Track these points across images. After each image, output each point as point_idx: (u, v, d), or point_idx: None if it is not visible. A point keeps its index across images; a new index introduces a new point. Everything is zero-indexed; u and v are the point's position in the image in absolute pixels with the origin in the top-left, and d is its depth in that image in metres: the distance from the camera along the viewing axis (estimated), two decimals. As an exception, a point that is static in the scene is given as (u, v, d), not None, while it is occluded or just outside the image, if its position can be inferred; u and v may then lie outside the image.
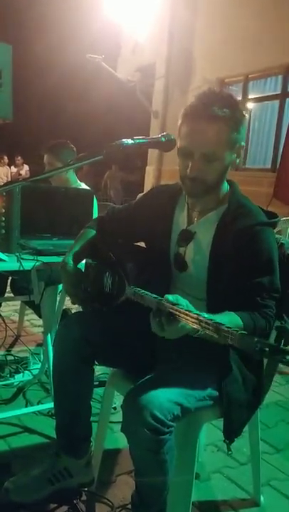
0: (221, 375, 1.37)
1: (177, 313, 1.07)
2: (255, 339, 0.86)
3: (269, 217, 1.42)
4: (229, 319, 1.23)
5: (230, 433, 1.38)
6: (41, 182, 2.32)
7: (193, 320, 1.02)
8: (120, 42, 9.67)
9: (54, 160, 2.70)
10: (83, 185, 2.83)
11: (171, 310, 1.09)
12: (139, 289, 1.28)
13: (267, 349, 0.84)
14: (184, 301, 1.12)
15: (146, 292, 1.24)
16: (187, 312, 1.04)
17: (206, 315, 1.15)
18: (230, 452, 1.66)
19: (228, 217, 1.39)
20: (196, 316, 1.02)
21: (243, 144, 1.39)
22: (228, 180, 1.46)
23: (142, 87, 8.90)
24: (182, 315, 1.05)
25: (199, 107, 1.31)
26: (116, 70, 9.04)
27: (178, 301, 1.11)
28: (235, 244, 1.34)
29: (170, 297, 1.11)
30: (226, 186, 1.45)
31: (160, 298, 1.16)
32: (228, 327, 0.93)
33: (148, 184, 8.98)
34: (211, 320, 0.97)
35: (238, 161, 1.41)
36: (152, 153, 8.84)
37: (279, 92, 6.82)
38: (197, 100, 1.33)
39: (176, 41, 8.45)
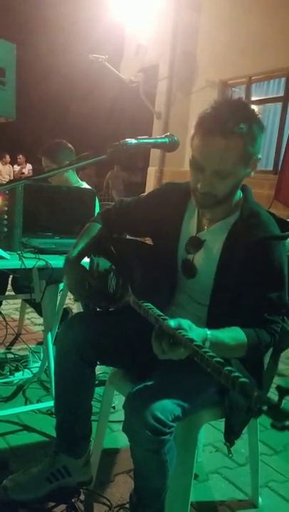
0: None
1: (178, 340, 1.02)
2: (255, 394, 0.79)
3: (281, 227, 1.37)
4: (233, 335, 1.23)
5: (231, 435, 1.38)
6: (42, 182, 2.33)
7: (193, 351, 0.97)
8: (124, 43, 9.67)
9: (50, 163, 2.64)
10: (85, 185, 2.82)
11: (172, 335, 1.04)
12: (142, 301, 1.25)
13: (265, 408, 0.76)
14: (186, 324, 1.08)
15: (150, 305, 1.21)
16: (188, 342, 0.99)
17: (209, 332, 1.14)
18: (230, 455, 1.67)
19: (240, 226, 1.36)
20: (196, 348, 0.96)
21: (259, 156, 1.32)
22: (241, 186, 1.41)
23: (145, 88, 8.90)
24: (186, 345, 1.00)
25: (214, 120, 1.24)
26: (119, 71, 9.04)
27: (180, 325, 1.07)
28: (245, 255, 1.32)
29: (172, 322, 1.07)
30: (238, 194, 1.41)
31: (163, 317, 1.11)
32: (229, 370, 0.87)
33: (150, 185, 8.98)
34: (214, 358, 0.91)
35: (252, 173, 1.34)
36: (154, 154, 8.84)
37: (282, 94, 6.83)
38: (212, 112, 1.26)
39: (179, 43, 8.46)
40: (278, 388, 0.79)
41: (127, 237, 1.70)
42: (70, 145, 2.74)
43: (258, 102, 7.16)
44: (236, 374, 0.86)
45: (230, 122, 1.22)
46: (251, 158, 1.30)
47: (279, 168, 6.26)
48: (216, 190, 1.30)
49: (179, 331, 1.05)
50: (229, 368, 0.88)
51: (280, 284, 1.33)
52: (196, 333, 1.10)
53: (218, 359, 0.91)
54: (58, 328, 2.57)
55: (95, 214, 2.36)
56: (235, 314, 1.30)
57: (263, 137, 1.32)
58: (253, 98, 7.21)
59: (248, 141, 1.25)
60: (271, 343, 1.31)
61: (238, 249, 1.33)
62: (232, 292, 1.34)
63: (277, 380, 2.73)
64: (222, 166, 1.26)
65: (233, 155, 1.25)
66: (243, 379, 0.84)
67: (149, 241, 1.61)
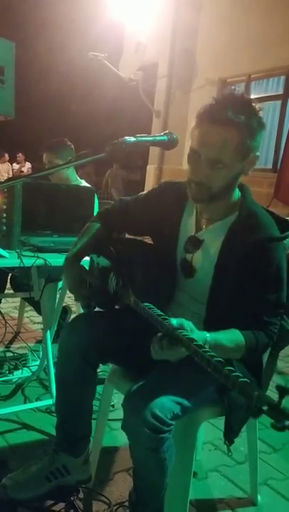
0: None
1: (178, 339, 1.03)
2: (256, 393, 0.79)
3: (281, 226, 1.37)
4: (232, 337, 1.23)
5: (230, 434, 1.38)
6: (41, 180, 2.33)
7: (193, 350, 0.98)
8: (123, 41, 9.66)
9: (53, 158, 2.69)
10: (84, 183, 2.83)
11: (174, 335, 1.05)
12: (143, 302, 1.25)
13: (265, 408, 0.77)
14: (188, 325, 1.09)
15: (150, 306, 1.21)
16: (189, 342, 1.00)
17: (208, 335, 1.14)
18: (230, 454, 1.67)
19: (238, 227, 1.34)
20: (196, 348, 0.97)
21: (258, 154, 1.31)
22: (239, 185, 1.40)
23: (145, 86, 8.90)
24: (184, 343, 1.01)
25: (214, 109, 1.25)
26: (118, 69, 9.03)
27: (182, 325, 1.08)
28: (244, 256, 1.31)
29: (174, 321, 1.08)
30: (236, 193, 1.40)
31: (164, 316, 1.12)
32: (230, 370, 0.88)
33: (149, 183, 8.98)
34: (214, 358, 0.92)
35: (250, 172, 1.33)
36: (153, 152, 8.84)
37: (281, 92, 6.83)
38: (213, 101, 1.27)
39: (178, 41, 8.45)
40: (278, 388, 0.79)
41: (127, 236, 1.70)
42: (70, 143, 2.78)
43: (257, 100, 7.02)
44: (237, 374, 0.86)
45: (228, 112, 1.23)
46: (248, 153, 1.28)
47: (278, 167, 6.26)
48: (210, 181, 1.29)
49: (180, 331, 1.05)
50: (229, 367, 0.88)
51: (279, 285, 1.33)
52: (197, 335, 1.10)
53: (219, 359, 0.92)
54: (57, 327, 2.57)
55: (95, 212, 2.37)
56: (233, 312, 1.30)
57: (263, 135, 1.31)
58: (252, 96, 7.20)
59: (245, 133, 1.24)
60: (269, 344, 1.32)
61: (236, 249, 1.32)
62: (230, 291, 1.34)
63: (276, 378, 2.73)
64: (217, 154, 1.25)
65: (228, 144, 1.24)
66: (243, 379, 0.84)
67: (148, 239, 1.61)
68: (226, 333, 1.22)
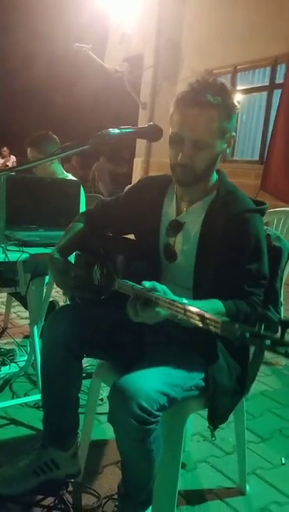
0: (207, 363, 1.38)
1: (154, 299, 1.09)
2: (236, 326, 0.87)
3: (257, 204, 1.42)
4: (211, 305, 1.23)
5: (214, 419, 1.39)
6: (27, 174, 2.30)
7: (173, 306, 1.04)
8: (108, 32, 9.58)
9: (37, 153, 2.62)
10: (70, 177, 2.80)
11: (148, 296, 1.10)
12: (125, 281, 1.27)
13: (247, 335, 0.86)
14: (161, 287, 1.14)
15: (130, 283, 1.23)
16: (166, 300, 1.06)
17: (185, 301, 1.16)
18: (213, 439, 1.69)
19: (217, 204, 1.40)
20: (171, 301, 1.04)
21: (234, 133, 1.40)
22: (216, 169, 1.45)
23: (130, 77, 8.84)
24: (160, 301, 1.07)
25: (191, 93, 1.31)
26: (103, 60, 8.96)
27: (155, 287, 1.13)
28: (223, 230, 1.34)
29: (146, 284, 1.13)
30: (214, 176, 1.45)
31: (137, 286, 1.17)
32: (210, 314, 0.93)
33: (136, 176, 8.96)
34: (193, 306, 0.98)
35: (228, 151, 1.41)
36: (140, 145, 8.82)
37: (267, 83, 6.84)
38: (190, 87, 1.33)
39: (164, 32, 8.41)
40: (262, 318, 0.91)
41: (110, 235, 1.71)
42: (55, 136, 2.73)
43: (244, 92, 7.17)
44: (217, 315, 0.94)
45: (206, 94, 1.30)
46: (226, 133, 1.36)
47: (265, 158, 6.27)
48: (195, 162, 1.34)
49: (153, 291, 1.10)
50: (209, 313, 0.96)
51: (259, 255, 1.36)
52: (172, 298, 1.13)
53: (196, 308, 0.99)
54: (44, 322, 2.55)
55: (81, 206, 2.35)
56: (220, 293, 1.30)
57: (236, 116, 1.39)
58: (239, 87, 7.21)
59: (224, 113, 1.32)
60: (251, 314, 1.32)
61: (216, 225, 1.37)
62: (214, 271, 1.35)
63: (264, 369, 2.76)
64: (199, 135, 1.31)
65: (209, 124, 1.31)
66: (223, 318, 0.92)
67: (132, 237, 1.62)
68: (205, 302, 1.23)
